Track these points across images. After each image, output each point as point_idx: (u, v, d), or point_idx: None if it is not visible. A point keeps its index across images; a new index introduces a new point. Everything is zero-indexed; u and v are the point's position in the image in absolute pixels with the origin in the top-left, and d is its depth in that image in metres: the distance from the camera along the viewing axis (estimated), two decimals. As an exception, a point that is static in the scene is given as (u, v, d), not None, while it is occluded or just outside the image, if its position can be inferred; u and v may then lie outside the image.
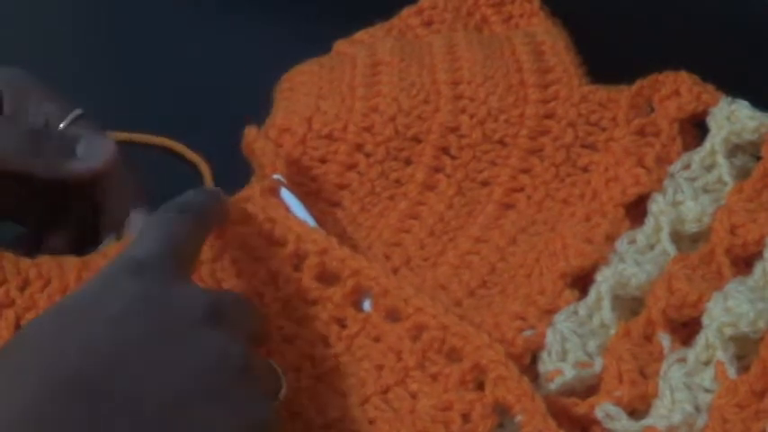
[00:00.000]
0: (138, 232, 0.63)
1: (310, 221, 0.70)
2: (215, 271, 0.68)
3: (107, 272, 0.61)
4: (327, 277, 0.68)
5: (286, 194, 0.71)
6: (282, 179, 0.71)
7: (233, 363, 0.59)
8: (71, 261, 0.69)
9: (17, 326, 0.67)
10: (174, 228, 0.63)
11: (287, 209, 0.70)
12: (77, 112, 0.71)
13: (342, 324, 0.67)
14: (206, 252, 0.68)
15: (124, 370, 0.56)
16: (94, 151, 0.70)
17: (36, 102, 0.70)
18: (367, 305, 0.67)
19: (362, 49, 0.77)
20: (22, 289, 0.68)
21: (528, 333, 0.66)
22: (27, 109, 0.70)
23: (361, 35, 0.79)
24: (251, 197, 0.70)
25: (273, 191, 0.71)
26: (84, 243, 0.72)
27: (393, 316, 0.66)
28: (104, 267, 0.62)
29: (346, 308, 0.67)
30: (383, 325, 0.66)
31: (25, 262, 0.68)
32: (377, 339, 0.66)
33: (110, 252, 0.69)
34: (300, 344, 0.67)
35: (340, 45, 0.79)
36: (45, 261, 0.68)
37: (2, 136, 0.68)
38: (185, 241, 0.63)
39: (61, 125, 0.71)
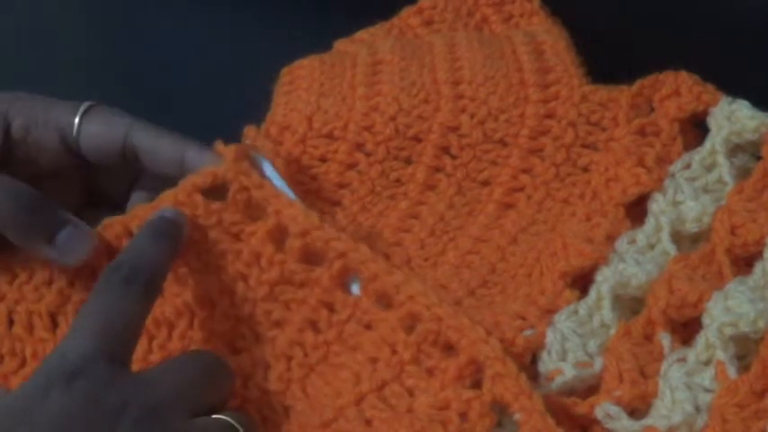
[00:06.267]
0: (74, 322, 0.62)
1: (289, 192, 0.69)
2: (200, 253, 0.68)
3: (38, 377, 0.60)
4: (312, 258, 0.68)
5: (267, 168, 0.70)
6: (263, 153, 0.71)
7: None
8: None
9: (9, 319, 0.68)
10: (114, 312, 0.62)
11: (261, 174, 0.69)
12: (86, 105, 0.71)
13: (331, 308, 0.67)
14: (194, 234, 0.68)
15: None
16: (73, 246, 0.67)
17: (43, 117, 0.70)
18: (355, 288, 0.67)
19: (363, 47, 0.77)
20: (11, 282, 0.68)
21: (528, 333, 0.66)
22: (37, 129, 0.70)
23: (361, 34, 0.79)
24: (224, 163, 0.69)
25: (246, 155, 0.70)
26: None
27: (383, 301, 0.66)
28: (38, 368, 0.61)
29: (334, 291, 0.67)
30: (374, 311, 0.66)
31: (12, 256, 0.69)
32: (368, 327, 0.66)
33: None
34: (290, 329, 0.67)
35: (340, 44, 0.79)
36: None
37: None
38: (126, 325, 0.62)
39: (74, 127, 0.70)
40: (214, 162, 0.69)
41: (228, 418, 0.62)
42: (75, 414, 0.59)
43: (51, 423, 0.58)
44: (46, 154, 0.71)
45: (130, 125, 0.70)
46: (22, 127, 0.70)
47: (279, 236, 0.68)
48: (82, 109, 0.70)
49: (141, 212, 0.68)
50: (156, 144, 0.70)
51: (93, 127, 0.70)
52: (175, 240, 0.66)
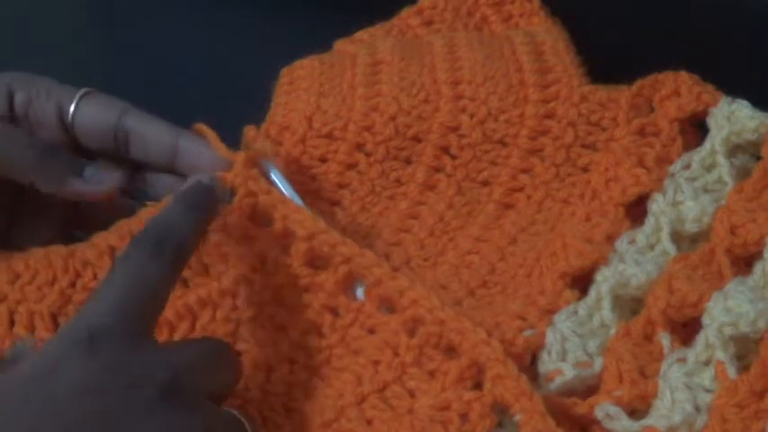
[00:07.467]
0: (98, 287, 0.61)
1: (297, 200, 0.69)
2: (203, 256, 0.68)
3: (57, 345, 0.59)
4: (317, 262, 0.68)
5: (275, 175, 0.70)
6: (272, 161, 0.71)
7: None
8: (58, 251, 0.69)
9: (11, 320, 0.68)
10: (137, 281, 0.60)
11: (269, 181, 0.69)
12: (83, 90, 0.71)
13: (335, 313, 0.67)
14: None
15: None
16: (102, 177, 0.69)
17: (45, 93, 0.71)
18: (360, 292, 0.67)
19: (363, 47, 0.77)
20: (12, 282, 0.68)
21: (528, 333, 0.66)
22: (38, 102, 0.71)
23: (361, 34, 0.79)
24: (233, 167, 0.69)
25: (256, 162, 0.70)
26: (70, 231, 0.73)
27: (387, 306, 0.66)
28: (56, 336, 0.60)
29: (339, 296, 0.67)
30: (378, 316, 0.66)
31: (14, 255, 0.69)
32: (371, 331, 0.66)
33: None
34: (293, 333, 0.67)
35: (340, 44, 0.79)
36: (33, 253, 0.69)
37: (15, 146, 0.68)
38: (150, 296, 0.61)
39: (71, 106, 0.71)
40: (208, 149, 0.69)
41: (233, 412, 0.62)
42: (94, 385, 0.57)
43: (69, 393, 0.57)
44: (44, 132, 0.71)
45: (125, 110, 0.71)
46: (24, 101, 0.70)
47: (285, 240, 0.68)
48: (80, 93, 0.71)
49: (146, 216, 0.68)
50: (146, 128, 0.71)
51: (88, 109, 0.71)
52: (206, 211, 0.65)
